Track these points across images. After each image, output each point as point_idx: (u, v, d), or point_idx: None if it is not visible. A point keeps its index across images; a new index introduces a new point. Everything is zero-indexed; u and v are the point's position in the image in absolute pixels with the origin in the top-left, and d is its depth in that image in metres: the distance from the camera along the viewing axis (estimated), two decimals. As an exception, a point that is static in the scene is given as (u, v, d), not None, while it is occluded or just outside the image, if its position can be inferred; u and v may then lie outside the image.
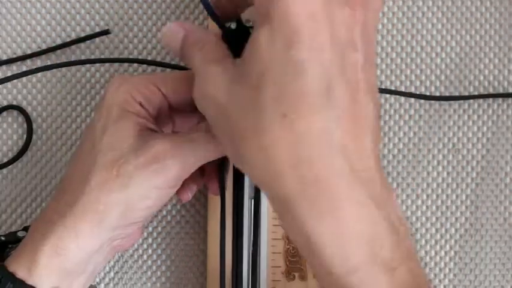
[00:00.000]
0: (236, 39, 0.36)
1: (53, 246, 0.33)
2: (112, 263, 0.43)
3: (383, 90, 0.42)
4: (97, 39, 0.43)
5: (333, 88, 0.26)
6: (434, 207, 0.44)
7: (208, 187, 0.38)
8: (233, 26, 0.36)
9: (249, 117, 0.27)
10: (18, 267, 0.33)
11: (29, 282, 0.33)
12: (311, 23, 0.26)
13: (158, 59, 0.43)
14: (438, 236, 0.44)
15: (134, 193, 0.32)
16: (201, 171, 0.39)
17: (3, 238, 0.36)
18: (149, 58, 0.43)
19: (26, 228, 0.37)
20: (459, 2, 0.44)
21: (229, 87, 0.28)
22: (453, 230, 0.44)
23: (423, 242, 0.43)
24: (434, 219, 0.44)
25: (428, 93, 0.44)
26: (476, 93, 0.44)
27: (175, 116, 0.38)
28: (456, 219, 0.44)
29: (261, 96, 0.26)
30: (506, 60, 0.44)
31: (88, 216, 0.32)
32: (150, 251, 0.43)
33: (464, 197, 0.44)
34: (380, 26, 0.44)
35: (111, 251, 0.36)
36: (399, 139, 0.44)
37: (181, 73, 0.37)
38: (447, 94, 0.44)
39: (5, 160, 0.43)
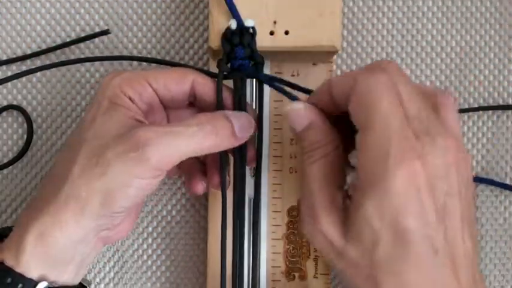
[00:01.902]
0: (235, 39, 0.36)
1: (38, 233, 0.33)
2: (112, 263, 0.43)
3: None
4: (97, 39, 0.43)
5: (437, 248, 0.29)
6: (434, 207, 0.44)
7: (209, 181, 0.38)
8: (233, 26, 0.36)
9: (365, 269, 0.30)
10: (7, 256, 0.33)
11: (17, 270, 0.33)
12: (416, 197, 0.29)
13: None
14: (438, 236, 0.44)
15: (113, 181, 0.32)
16: (203, 166, 0.39)
17: None
18: (149, 58, 0.43)
19: None
20: (459, 2, 0.44)
21: (344, 238, 0.31)
22: (453, 230, 0.44)
23: (423, 242, 0.43)
24: (434, 219, 0.44)
25: None
26: (476, 105, 0.44)
27: (169, 112, 0.38)
28: (456, 219, 0.44)
29: (375, 257, 0.30)
30: (506, 71, 0.44)
31: (71, 204, 0.33)
32: (150, 251, 0.43)
33: (464, 197, 0.44)
34: (380, 26, 0.44)
35: (98, 242, 0.36)
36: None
37: (173, 70, 0.37)
38: None
39: (5, 160, 0.43)
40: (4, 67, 0.43)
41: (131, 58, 0.42)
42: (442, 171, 0.30)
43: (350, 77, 0.31)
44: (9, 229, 0.36)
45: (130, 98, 0.35)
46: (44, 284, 0.33)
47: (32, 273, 0.33)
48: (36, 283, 0.33)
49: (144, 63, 0.43)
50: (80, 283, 0.37)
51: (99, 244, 0.36)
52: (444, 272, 0.30)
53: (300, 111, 0.34)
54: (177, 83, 0.36)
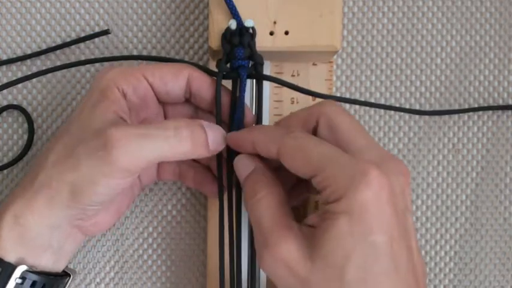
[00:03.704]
0: (235, 40, 0.36)
1: (12, 216, 0.34)
2: (112, 263, 0.43)
3: (381, 106, 0.41)
4: (97, 39, 0.43)
5: (399, 263, 0.30)
6: (434, 207, 0.44)
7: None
8: (233, 26, 0.36)
9: None
10: None
11: None
12: (383, 211, 0.30)
13: (158, 59, 0.43)
14: (438, 236, 0.44)
15: (82, 176, 0.33)
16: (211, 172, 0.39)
17: None
18: (149, 58, 0.43)
19: None
20: (459, 2, 0.44)
21: (310, 261, 0.30)
22: (453, 230, 0.44)
23: (423, 242, 0.43)
24: (434, 219, 0.44)
25: (428, 105, 0.43)
26: (476, 105, 0.44)
27: (167, 107, 0.38)
28: (456, 219, 0.44)
29: (346, 276, 0.29)
30: (506, 71, 0.44)
31: (43, 191, 0.33)
32: (150, 251, 0.43)
33: (464, 197, 0.44)
34: (380, 26, 0.44)
35: (74, 231, 0.36)
36: (399, 139, 0.44)
37: (169, 64, 0.37)
38: (447, 106, 0.43)
39: (5, 160, 0.43)
40: (4, 67, 0.43)
41: (133, 58, 0.41)
42: (399, 190, 0.31)
43: (273, 140, 0.33)
44: None
45: (123, 92, 0.35)
46: (23, 267, 0.34)
47: (9, 256, 0.34)
48: (15, 267, 0.34)
49: (144, 63, 0.43)
50: (64, 271, 0.37)
51: (77, 234, 0.37)
52: None
53: (245, 160, 0.35)
54: (173, 77, 0.36)
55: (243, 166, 0.34)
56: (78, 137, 0.33)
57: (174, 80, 0.36)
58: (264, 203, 0.32)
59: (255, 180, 0.33)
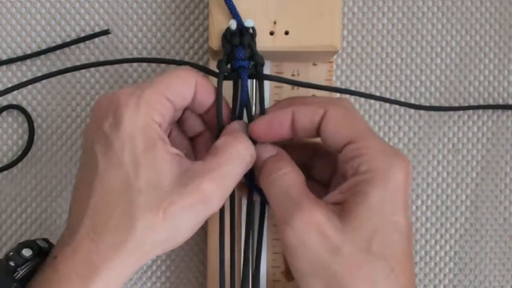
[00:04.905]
0: (235, 40, 0.36)
1: (102, 285, 0.32)
2: (112, 263, 0.43)
3: (381, 99, 0.41)
4: (96, 39, 0.43)
5: (411, 249, 0.33)
6: (434, 207, 0.44)
7: None
8: (233, 26, 0.36)
9: (362, 264, 0.31)
10: None
11: None
12: (406, 197, 0.32)
13: (158, 59, 0.43)
14: (438, 236, 0.44)
15: (179, 231, 0.32)
16: None
17: (12, 264, 0.33)
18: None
19: (31, 244, 0.34)
20: (459, 2, 0.44)
21: (342, 232, 0.31)
22: (453, 230, 0.44)
23: (423, 242, 0.44)
24: (434, 219, 0.44)
25: (427, 104, 0.43)
26: (475, 104, 0.44)
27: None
28: (456, 219, 0.44)
29: (372, 250, 0.31)
30: (506, 71, 0.44)
31: (134, 257, 0.32)
32: (150, 251, 0.43)
33: (464, 197, 0.44)
34: (380, 26, 0.44)
35: None
36: (399, 139, 0.44)
37: (177, 72, 0.35)
38: (446, 105, 0.43)
39: (5, 159, 0.43)
40: (4, 67, 0.43)
41: (133, 60, 0.41)
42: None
43: (319, 106, 0.34)
44: (47, 243, 0.35)
45: (160, 125, 0.33)
46: None
47: None
48: None
49: (145, 63, 0.43)
50: None
51: None
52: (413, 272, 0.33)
53: (267, 146, 0.35)
54: (188, 87, 0.35)
55: (266, 149, 0.35)
56: (160, 197, 0.31)
57: (188, 91, 0.35)
58: (290, 177, 0.33)
59: (280, 159, 0.34)
